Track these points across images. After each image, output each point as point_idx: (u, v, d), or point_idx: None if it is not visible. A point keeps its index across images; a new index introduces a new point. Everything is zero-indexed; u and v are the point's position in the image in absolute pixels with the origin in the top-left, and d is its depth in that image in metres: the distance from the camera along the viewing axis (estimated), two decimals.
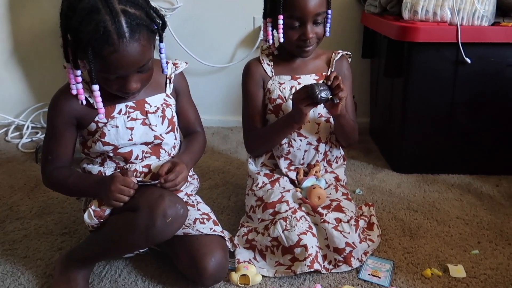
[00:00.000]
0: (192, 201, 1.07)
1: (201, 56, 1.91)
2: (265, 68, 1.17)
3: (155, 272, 1.04)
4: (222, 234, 1.01)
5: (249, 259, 1.04)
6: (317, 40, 1.10)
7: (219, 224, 1.04)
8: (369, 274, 1.01)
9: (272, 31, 1.11)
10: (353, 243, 1.02)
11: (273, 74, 1.17)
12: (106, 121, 0.94)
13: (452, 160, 1.51)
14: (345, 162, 1.27)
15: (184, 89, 1.08)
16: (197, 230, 0.97)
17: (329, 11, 1.09)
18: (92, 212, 0.92)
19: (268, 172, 1.22)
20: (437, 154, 1.51)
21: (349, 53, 1.22)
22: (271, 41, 1.12)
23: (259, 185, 1.17)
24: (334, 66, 1.18)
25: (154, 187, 0.93)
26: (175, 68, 1.04)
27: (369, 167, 1.59)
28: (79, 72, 0.86)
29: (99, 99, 0.87)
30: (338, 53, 1.20)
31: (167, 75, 1.03)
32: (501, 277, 1.01)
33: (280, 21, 1.06)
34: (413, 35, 1.33)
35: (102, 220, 0.94)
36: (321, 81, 1.03)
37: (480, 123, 1.46)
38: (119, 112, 0.95)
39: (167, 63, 1.02)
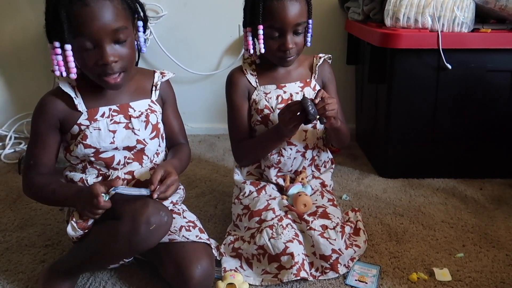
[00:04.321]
0: (178, 209, 1.06)
1: (187, 64, 1.91)
2: (249, 79, 1.15)
3: (140, 282, 1.02)
4: (208, 242, 1.01)
5: (236, 268, 1.04)
6: (298, 50, 1.09)
7: (205, 232, 1.03)
8: (356, 280, 1.01)
9: (252, 40, 1.10)
10: (339, 249, 1.02)
11: (257, 84, 1.15)
12: (89, 124, 0.94)
13: (436, 165, 1.53)
14: (333, 166, 1.28)
15: (170, 99, 1.08)
16: (183, 236, 0.97)
17: (310, 21, 1.08)
18: (75, 225, 0.91)
19: (254, 180, 1.21)
20: (422, 158, 1.53)
21: (329, 55, 1.23)
22: (251, 51, 1.10)
23: (246, 194, 1.16)
24: (317, 71, 1.19)
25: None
26: (162, 77, 1.05)
27: (356, 173, 1.60)
28: (57, 44, 0.85)
29: (71, 58, 0.85)
30: (320, 57, 1.20)
31: (153, 82, 1.04)
32: (486, 279, 1.02)
33: (260, 31, 1.05)
34: (395, 42, 1.35)
35: (86, 231, 0.92)
36: (307, 97, 1.01)
37: (462, 127, 1.48)
38: (102, 115, 0.95)
39: (154, 71, 1.04)
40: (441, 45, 1.34)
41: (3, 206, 1.37)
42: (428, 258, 1.10)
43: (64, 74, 0.88)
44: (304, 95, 1.05)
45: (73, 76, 0.88)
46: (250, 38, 1.09)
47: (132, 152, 0.99)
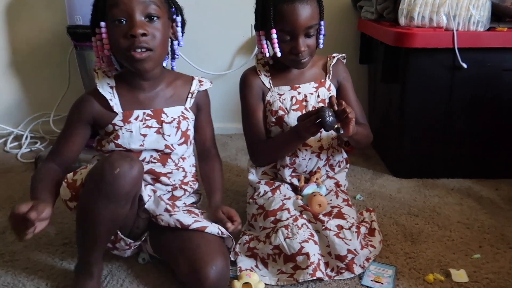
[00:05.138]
0: (194, 211, 1.08)
1: (199, 63, 1.92)
2: (262, 80, 1.15)
3: (157, 281, 1.03)
4: (228, 235, 1.02)
5: (251, 267, 1.04)
6: (310, 52, 1.08)
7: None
8: (371, 280, 1.01)
9: (266, 43, 1.09)
10: (354, 250, 1.02)
11: (271, 85, 1.15)
12: (123, 125, 0.98)
13: (451, 165, 1.52)
14: (348, 165, 1.27)
15: (205, 107, 1.11)
16: (203, 220, 1.00)
17: (322, 23, 1.07)
18: (65, 185, 0.93)
19: (268, 180, 1.22)
20: (436, 158, 1.52)
21: (343, 55, 1.22)
22: (267, 54, 1.10)
23: (261, 194, 1.17)
24: (331, 71, 1.18)
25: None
26: (200, 86, 1.08)
27: (369, 173, 1.60)
28: (102, 24, 0.92)
29: (105, 35, 0.92)
30: (333, 57, 1.19)
31: (189, 90, 1.06)
32: (503, 281, 1.01)
33: (274, 36, 1.04)
34: (410, 41, 1.34)
35: (74, 194, 0.92)
36: (325, 107, 1.01)
37: (477, 127, 1.47)
38: (136, 118, 0.99)
39: (193, 79, 1.08)
40: (456, 44, 1.33)
41: None
42: (444, 259, 1.09)
43: (107, 52, 0.94)
44: (323, 105, 1.05)
45: (106, 52, 0.94)
46: (264, 42, 1.09)
47: (158, 153, 1.02)
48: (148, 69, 0.95)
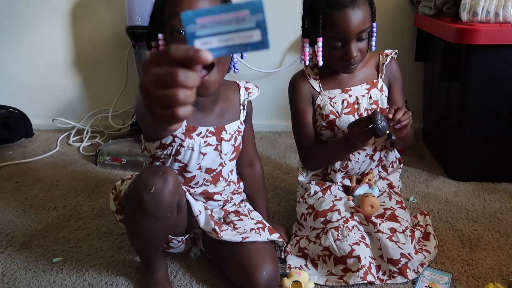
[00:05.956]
0: (243, 211, 1.09)
1: (249, 61, 1.93)
2: (312, 84, 1.12)
3: (208, 274, 1.06)
4: (280, 240, 1.03)
5: (300, 266, 1.04)
6: (362, 57, 1.03)
7: (274, 231, 1.05)
8: (426, 286, 0.98)
9: (308, 51, 1.05)
10: (408, 254, 0.99)
11: (321, 89, 1.12)
12: (183, 138, 0.94)
13: None
14: (401, 165, 1.23)
15: (250, 115, 1.09)
16: (255, 236, 0.99)
17: (374, 24, 1.02)
18: (112, 196, 0.99)
19: (318, 181, 1.21)
20: (498, 161, 1.43)
21: (396, 51, 1.16)
22: (307, 63, 1.07)
23: (311, 194, 1.16)
24: (384, 71, 1.13)
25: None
26: (248, 95, 1.05)
27: (423, 174, 1.54)
28: (160, 36, 0.87)
29: (162, 41, 0.88)
30: (386, 55, 1.14)
31: (240, 101, 1.04)
32: None
33: (320, 44, 1.00)
34: (473, 38, 1.27)
35: (119, 207, 0.98)
36: (377, 112, 0.98)
37: None
38: (198, 135, 0.95)
39: (239, 86, 1.05)
40: None
41: (83, 195, 1.48)
42: (506, 268, 1.03)
43: None
44: (374, 110, 1.02)
45: None
46: (307, 50, 1.05)
47: (211, 174, 1.01)
48: (210, 93, 0.88)
